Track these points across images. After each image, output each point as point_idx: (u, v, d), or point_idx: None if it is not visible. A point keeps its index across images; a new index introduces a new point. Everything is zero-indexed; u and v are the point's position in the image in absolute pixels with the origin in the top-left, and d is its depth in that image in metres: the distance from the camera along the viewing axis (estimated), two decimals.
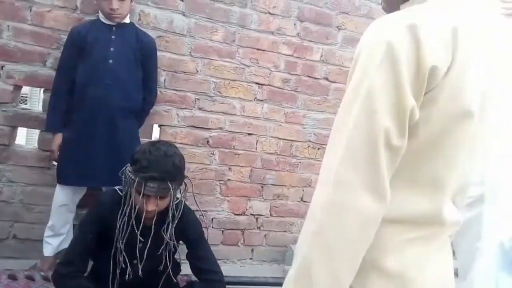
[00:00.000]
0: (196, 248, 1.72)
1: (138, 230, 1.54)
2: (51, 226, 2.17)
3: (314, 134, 2.86)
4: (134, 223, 1.54)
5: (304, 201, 2.88)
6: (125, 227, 1.55)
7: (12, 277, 1.97)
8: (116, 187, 1.67)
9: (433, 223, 0.69)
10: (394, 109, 0.62)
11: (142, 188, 1.49)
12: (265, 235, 2.81)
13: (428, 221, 0.68)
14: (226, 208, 2.70)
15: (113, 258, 1.59)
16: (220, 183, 2.68)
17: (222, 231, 2.70)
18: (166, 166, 1.52)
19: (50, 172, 2.31)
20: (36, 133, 2.49)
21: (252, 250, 2.79)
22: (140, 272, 1.59)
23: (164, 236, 1.61)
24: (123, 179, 1.60)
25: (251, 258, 2.79)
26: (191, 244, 1.72)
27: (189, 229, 1.71)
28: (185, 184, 1.65)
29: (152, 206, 1.52)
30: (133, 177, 1.50)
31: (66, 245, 2.17)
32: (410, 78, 0.62)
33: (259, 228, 2.80)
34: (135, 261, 1.62)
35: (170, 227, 1.62)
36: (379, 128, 0.61)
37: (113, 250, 1.59)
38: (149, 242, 1.58)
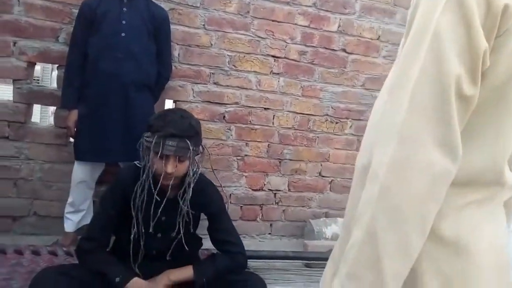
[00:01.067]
0: (218, 221, 1.70)
1: (155, 190, 1.52)
2: (71, 202, 2.18)
3: (332, 108, 2.79)
4: (152, 184, 1.53)
5: (322, 176, 2.84)
6: (144, 196, 1.54)
7: (36, 253, 1.98)
8: (135, 162, 1.65)
9: (494, 183, 0.63)
10: (466, 53, 0.55)
11: (161, 148, 1.46)
12: (283, 210, 2.79)
13: (488, 182, 0.63)
14: (244, 183, 2.68)
15: (133, 231, 1.58)
16: (237, 159, 2.65)
17: (241, 206, 2.69)
18: (184, 125, 1.51)
19: (67, 149, 2.30)
20: (50, 110, 2.47)
21: (270, 225, 2.78)
22: (156, 239, 1.58)
23: (180, 201, 1.59)
24: (140, 149, 1.58)
25: (270, 233, 2.78)
26: (212, 217, 1.69)
27: (211, 202, 1.68)
28: (203, 148, 1.62)
29: (171, 168, 1.49)
30: (150, 139, 1.49)
31: (86, 221, 2.19)
32: (481, 19, 0.55)
33: (277, 203, 2.77)
34: (152, 231, 1.60)
35: (186, 194, 1.59)
36: (450, 75, 0.55)
37: (133, 222, 1.58)
38: (164, 202, 1.56)
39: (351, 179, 3.09)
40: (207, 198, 1.68)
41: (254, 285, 1.65)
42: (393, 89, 0.60)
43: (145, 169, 1.56)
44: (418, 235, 0.57)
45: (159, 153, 1.47)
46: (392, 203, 0.56)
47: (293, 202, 2.80)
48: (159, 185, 1.52)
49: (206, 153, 1.64)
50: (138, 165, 1.63)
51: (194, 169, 1.61)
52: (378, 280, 0.56)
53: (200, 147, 1.61)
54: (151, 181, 1.55)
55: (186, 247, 1.67)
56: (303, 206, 2.83)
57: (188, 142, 1.50)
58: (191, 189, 1.61)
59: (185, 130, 1.50)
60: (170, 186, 1.55)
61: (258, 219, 2.75)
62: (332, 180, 2.87)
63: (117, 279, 1.50)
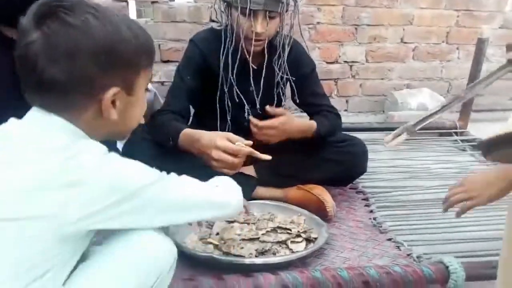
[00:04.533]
0: (310, 83, 1.51)
1: (249, 56, 1.34)
2: None
3: None
4: (244, 49, 1.35)
5: (405, 42, 2.52)
6: (233, 64, 1.36)
7: None
8: (212, 25, 1.44)
9: None
10: None
11: (248, 2, 1.24)
12: (360, 84, 2.56)
13: None
14: (317, 56, 2.42)
15: (219, 103, 1.43)
16: (308, 28, 2.37)
17: None
18: None
19: None
20: None
21: (346, 101, 2.58)
22: (259, 110, 1.42)
23: (275, 68, 1.41)
24: (220, 8, 1.36)
25: (346, 110, 2.59)
26: (304, 79, 1.49)
27: (302, 62, 1.49)
28: (295, 2, 1.37)
29: (261, 27, 1.28)
30: None
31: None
32: None
33: (353, 76, 2.53)
34: (247, 107, 1.44)
35: (282, 57, 1.40)
36: None
37: (218, 94, 1.42)
38: (264, 72, 1.38)
39: (437, 44, 2.73)
40: (297, 57, 1.47)
41: (357, 145, 1.51)
42: None
43: (228, 32, 1.35)
44: None
45: (247, 11, 1.25)
46: None
47: (371, 74, 2.55)
48: (252, 50, 1.31)
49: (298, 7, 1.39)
50: (216, 27, 1.42)
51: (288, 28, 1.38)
52: None
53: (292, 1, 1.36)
54: (243, 46, 1.34)
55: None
56: (382, 79, 2.57)
57: None
58: (286, 53, 1.39)
59: None
60: (264, 50, 1.35)
61: (333, 94, 2.54)
62: (415, 46, 2.54)
63: (171, 143, 1.28)
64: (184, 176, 0.78)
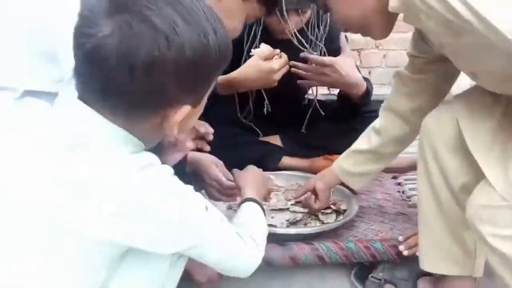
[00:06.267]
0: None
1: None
2: None
3: None
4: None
5: None
6: (256, 43, 1.29)
7: None
8: None
9: None
10: None
11: (280, 2, 1.14)
12: (384, 55, 2.48)
13: None
14: None
15: None
16: None
17: None
18: None
19: None
20: None
21: (369, 72, 2.52)
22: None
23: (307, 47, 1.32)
24: None
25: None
26: (336, 53, 1.42)
27: (333, 35, 1.37)
28: None
29: (294, 25, 1.22)
30: None
31: None
32: None
33: (377, 47, 2.46)
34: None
35: (316, 35, 1.31)
36: None
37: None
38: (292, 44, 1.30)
39: None
40: (329, 31, 1.37)
41: None
42: None
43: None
44: None
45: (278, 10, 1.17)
46: None
47: (394, 45, 2.47)
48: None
49: None
50: None
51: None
52: None
53: None
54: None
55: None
56: (405, 49, 2.48)
57: None
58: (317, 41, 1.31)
59: None
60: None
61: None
62: None
63: None
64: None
